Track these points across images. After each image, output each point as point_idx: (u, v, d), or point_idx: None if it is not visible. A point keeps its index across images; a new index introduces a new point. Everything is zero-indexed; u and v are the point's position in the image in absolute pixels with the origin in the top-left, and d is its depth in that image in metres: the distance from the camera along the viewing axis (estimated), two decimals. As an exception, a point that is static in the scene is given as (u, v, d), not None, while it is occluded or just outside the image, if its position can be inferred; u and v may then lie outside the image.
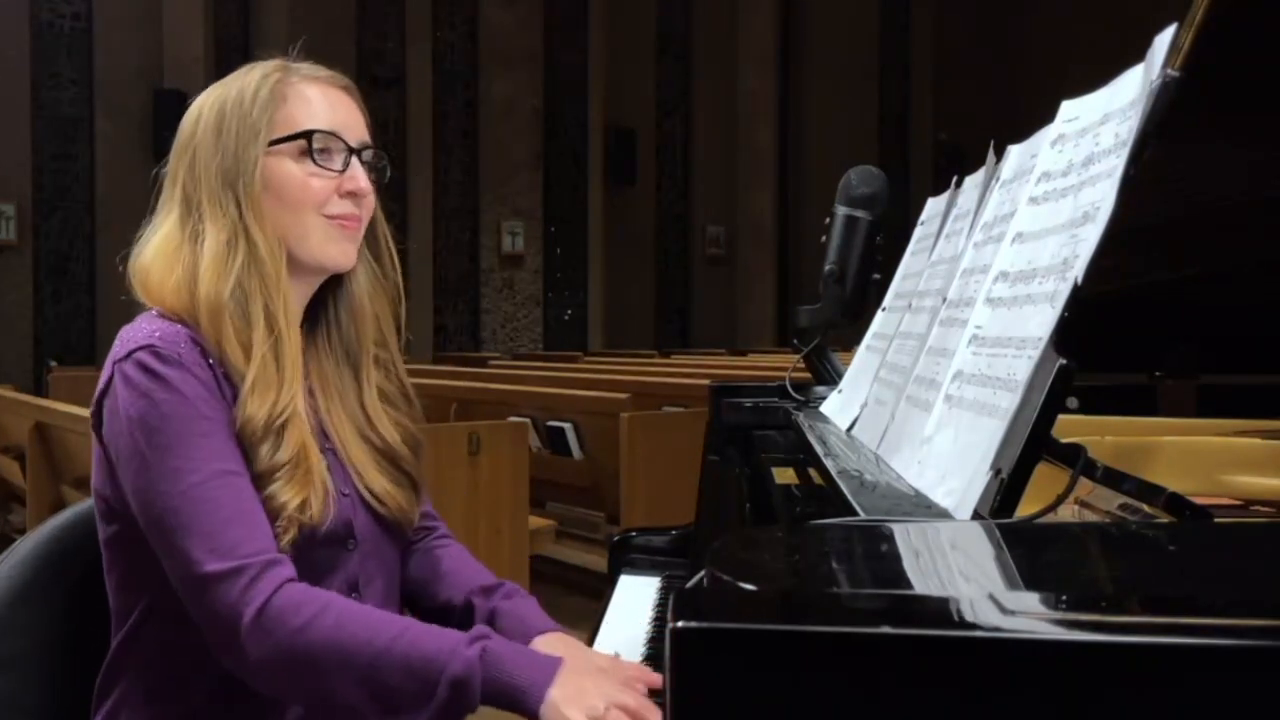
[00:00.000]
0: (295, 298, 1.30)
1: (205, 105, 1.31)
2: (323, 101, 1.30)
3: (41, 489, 4.80)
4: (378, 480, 1.32)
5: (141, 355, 1.19)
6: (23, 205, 10.31)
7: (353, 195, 1.29)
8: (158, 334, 1.20)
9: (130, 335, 1.22)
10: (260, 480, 1.19)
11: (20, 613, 1.32)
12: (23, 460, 4.98)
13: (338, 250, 1.30)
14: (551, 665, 1.09)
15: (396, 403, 1.37)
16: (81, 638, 1.34)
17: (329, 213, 1.28)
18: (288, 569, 1.15)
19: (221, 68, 9.86)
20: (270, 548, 1.15)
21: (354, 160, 1.30)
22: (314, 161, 1.27)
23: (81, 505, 1.40)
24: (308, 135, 1.27)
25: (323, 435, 1.31)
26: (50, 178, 10.55)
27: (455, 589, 1.40)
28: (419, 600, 1.42)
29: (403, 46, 11.89)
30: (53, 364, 9.39)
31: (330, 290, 1.36)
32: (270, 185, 1.27)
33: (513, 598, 1.36)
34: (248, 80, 1.30)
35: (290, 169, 1.27)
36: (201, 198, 1.27)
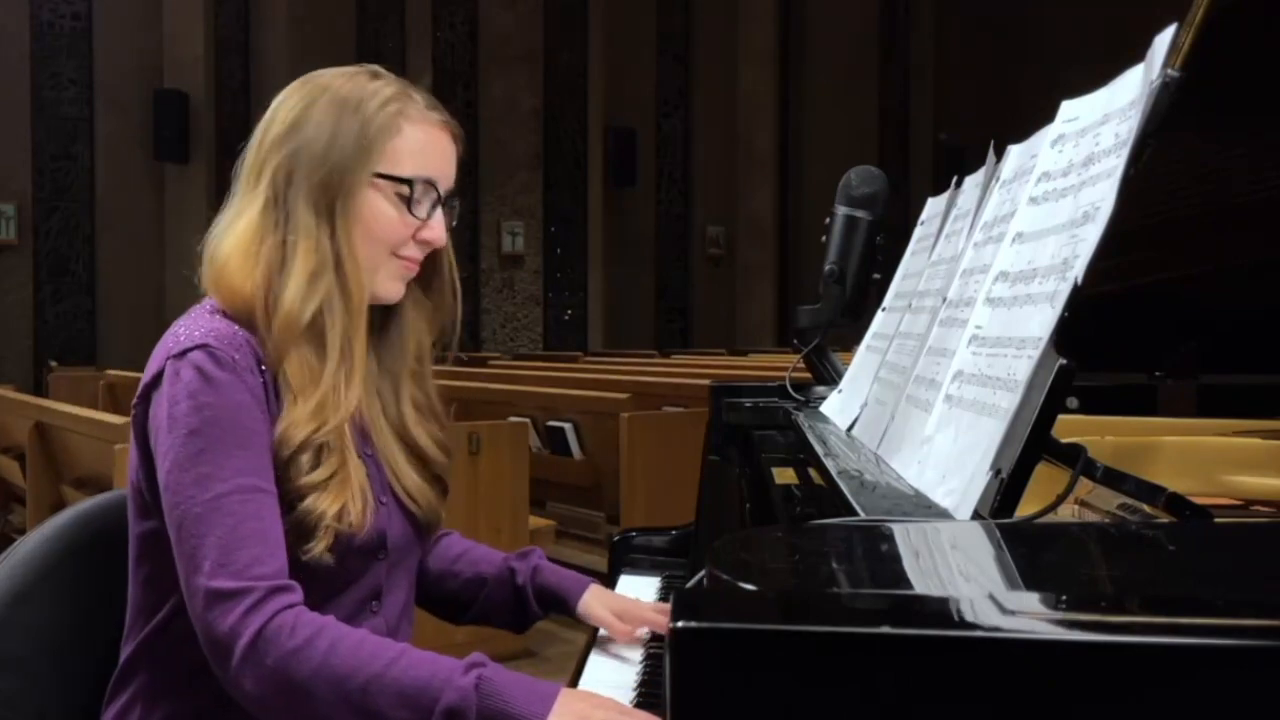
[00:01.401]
0: None
1: (317, 101, 1.27)
2: (432, 147, 1.30)
3: (41, 489, 4.80)
4: (410, 477, 1.33)
5: (196, 355, 1.18)
6: (23, 205, 10.31)
7: (426, 243, 1.30)
8: (214, 334, 1.20)
9: (187, 332, 1.21)
10: (297, 492, 1.19)
11: (21, 613, 1.32)
12: (23, 460, 4.98)
13: (394, 287, 1.31)
14: (550, 693, 1.06)
15: (428, 415, 1.38)
16: (82, 637, 1.34)
17: (401, 254, 1.29)
18: (294, 595, 1.14)
19: (221, 68, 9.79)
20: (281, 573, 1.14)
21: (439, 211, 1.30)
22: (408, 209, 1.27)
23: (81, 505, 1.40)
24: (410, 184, 1.27)
25: (364, 440, 1.31)
26: (50, 178, 10.55)
27: (481, 563, 1.48)
28: (443, 583, 1.47)
29: (403, 46, 11.89)
30: (53, 364, 9.39)
31: (376, 305, 1.36)
32: (361, 214, 1.26)
33: (544, 559, 1.47)
34: (368, 91, 1.27)
35: (384, 207, 1.27)
36: (296, 200, 1.24)
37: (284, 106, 1.28)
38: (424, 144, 1.29)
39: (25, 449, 4.86)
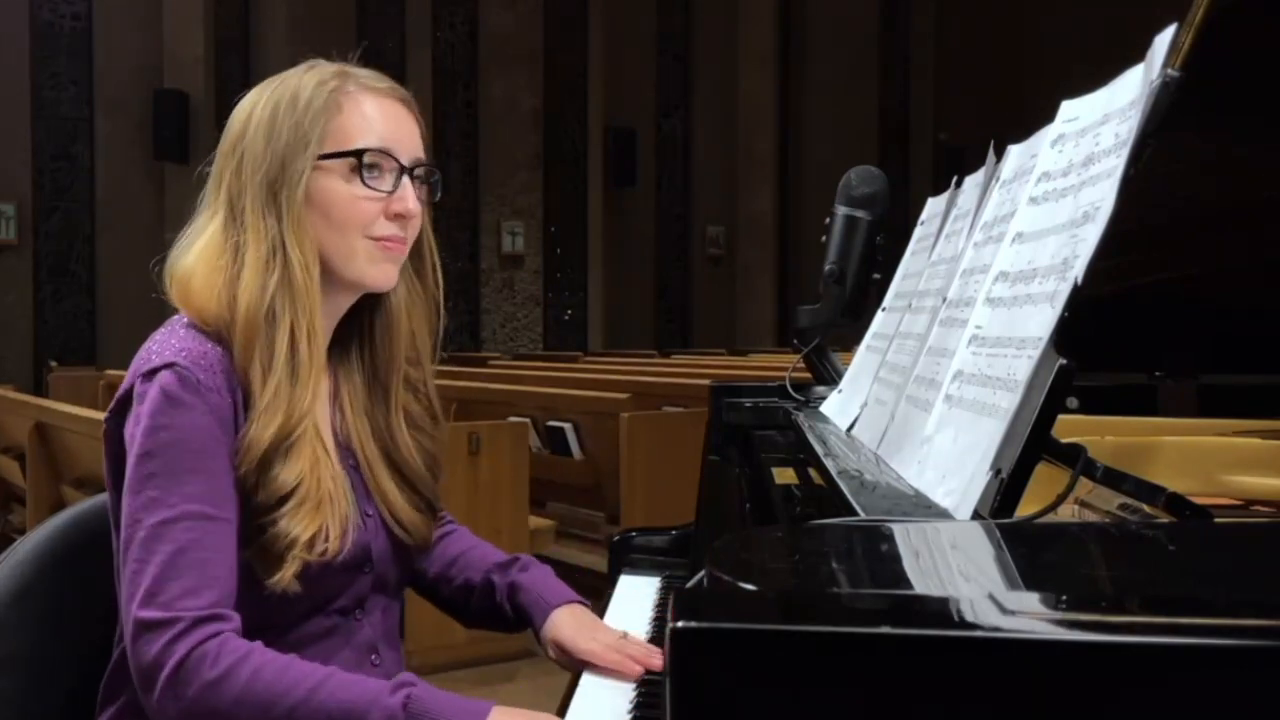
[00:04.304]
0: (329, 315, 1.27)
1: (258, 105, 1.25)
2: (378, 115, 1.25)
3: (41, 489, 4.80)
4: (401, 506, 1.30)
5: (163, 375, 1.16)
6: (23, 205, 10.32)
7: (400, 217, 1.25)
8: (184, 353, 1.17)
9: (159, 349, 1.19)
10: (266, 510, 1.17)
11: (20, 613, 1.32)
12: (23, 460, 4.98)
13: (380, 272, 1.26)
14: (482, 710, 1.05)
15: (422, 424, 1.35)
16: (81, 638, 1.34)
17: (374, 234, 1.24)
18: (221, 624, 1.10)
19: (221, 68, 9.78)
20: (216, 603, 1.11)
21: (405, 180, 1.25)
22: (363, 181, 1.23)
23: (81, 505, 1.40)
24: (359, 154, 1.23)
25: (348, 451, 1.30)
26: (50, 178, 10.55)
27: (471, 569, 1.43)
28: (438, 588, 1.44)
29: (403, 46, 11.89)
30: (53, 364, 9.39)
31: (366, 303, 1.32)
32: (316, 201, 1.22)
33: (529, 569, 1.40)
34: (303, 83, 1.25)
35: (338, 187, 1.23)
36: (245, 205, 1.22)
37: (235, 116, 1.27)
38: (369, 115, 1.25)
39: (25, 449, 4.86)
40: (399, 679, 1.07)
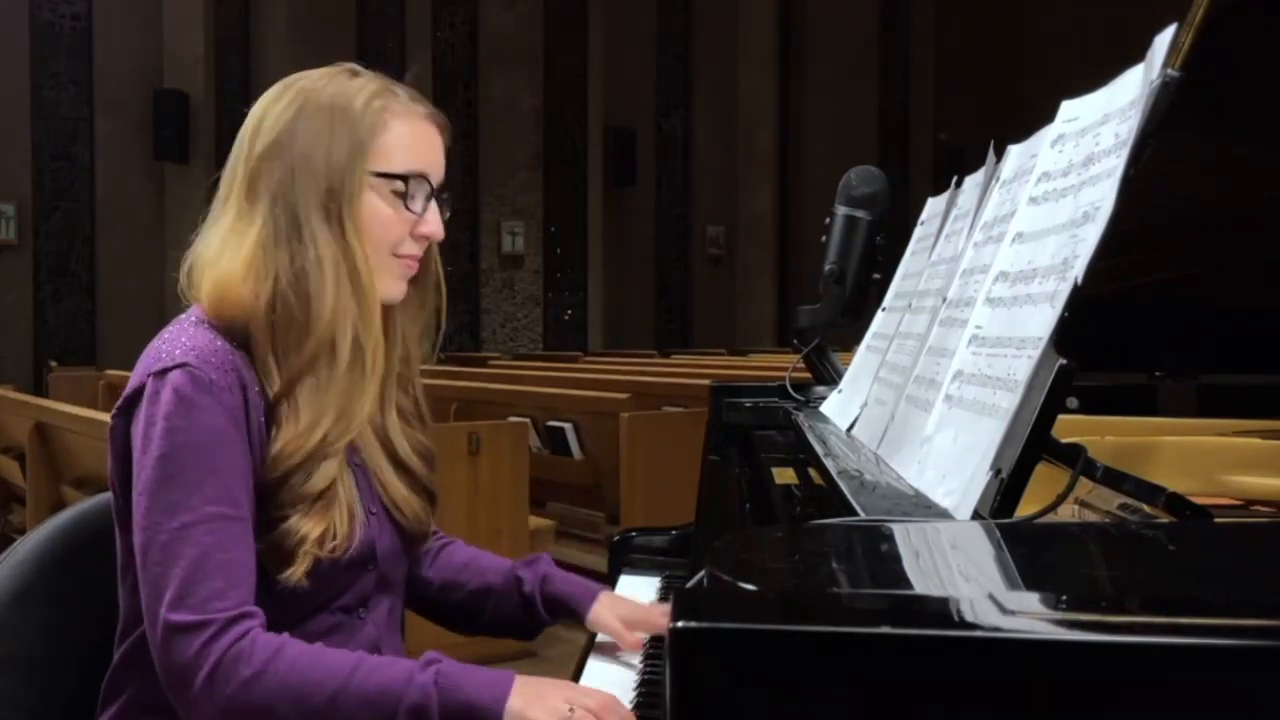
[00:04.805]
0: None
1: (304, 108, 1.25)
2: (421, 140, 1.28)
3: (41, 489, 4.80)
4: (397, 488, 1.32)
5: (175, 376, 1.16)
6: (23, 205, 10.32)
7: (424, 238, 1.29)
8: (195, 352, 1.18)
9: (169, 348, 1.19)
10: (282, 511, 1.18)
11: (20, 613, 1.32)
12: (23, 460, 4.98)
13: (396, 287, 1.29)
14: (506, 677, 1.10)
15: (410, 419, 1.37)
16: (81, 638, 1.34)
17: (400, 252, 1.28)
18: (250, 621, 1.13)
19: (221, 68, 9.73)
20: (242, 602, 1.13)
21: (433, 204, 1.29)
22: (404, 205, 1.26)
23: (82, 505, 1.40)
24: (405, 179, 1.26)
25: (352, 449, 1.30)
26: (50, 178, 10.55)
27: (488, 573, 1.46)
28: (446, 596, 1.46)
29: (403, 46, 11.89)
30: (53, 364, 9.40)
31: None
32: (362, 215, 1.25)
33: (552, 566, 1.46)
34: (351, 90, 1.26)
35: (379, 205, 1.26)
36: (308, 214, 1.22)
37: (270, 115, 1.26)
38: (412, 137, 1.28)
39: (25, 449, 4.87)
40: (425, 656, 1.12)
